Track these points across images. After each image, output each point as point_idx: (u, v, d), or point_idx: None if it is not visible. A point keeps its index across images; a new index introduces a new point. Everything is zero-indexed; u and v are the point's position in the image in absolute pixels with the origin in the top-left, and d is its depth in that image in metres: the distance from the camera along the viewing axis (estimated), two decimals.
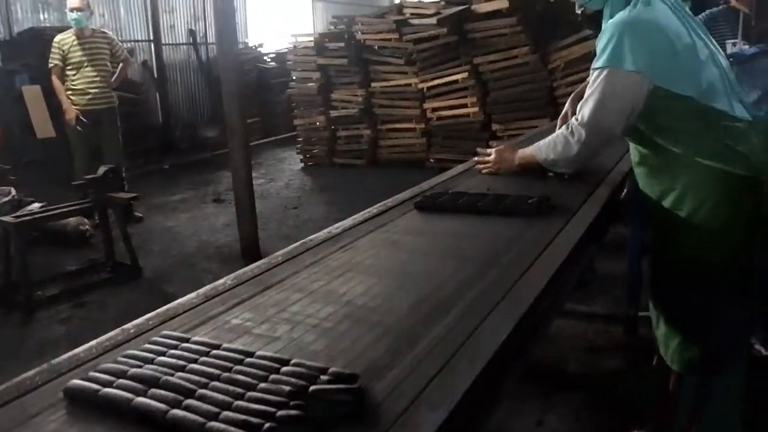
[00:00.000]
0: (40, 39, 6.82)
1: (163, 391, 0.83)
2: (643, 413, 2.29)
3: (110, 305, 3.81)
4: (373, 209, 1.95)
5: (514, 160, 2.12)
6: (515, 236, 1.61)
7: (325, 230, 1.74)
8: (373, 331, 1.11)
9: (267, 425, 0.77)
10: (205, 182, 7.46)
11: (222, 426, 0.78)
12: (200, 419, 0.79)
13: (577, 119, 1.77)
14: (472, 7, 7.28)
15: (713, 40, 1.81)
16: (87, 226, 4.95)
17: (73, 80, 5.26)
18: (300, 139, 8.45)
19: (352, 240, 1.66)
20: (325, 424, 0.82)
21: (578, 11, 1.90)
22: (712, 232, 1.70)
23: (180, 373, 0.88)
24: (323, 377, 0.89)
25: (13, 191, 4.85)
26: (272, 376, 0.88)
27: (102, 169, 4.14)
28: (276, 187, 7.21)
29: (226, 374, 0.88)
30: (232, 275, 1.41)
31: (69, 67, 5.25)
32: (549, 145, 1.89)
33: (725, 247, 1.72)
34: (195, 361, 0.92)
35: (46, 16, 8.03)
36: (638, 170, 1.88)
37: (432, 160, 7.42)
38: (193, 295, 1.30)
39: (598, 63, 1.70)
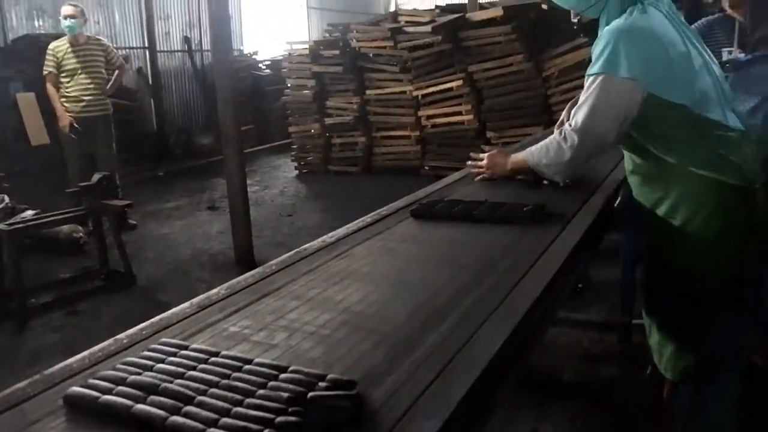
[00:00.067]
0: (34, 46, 6.80)
1: (162, 398, 0.84)
2: (637, 422, 2.30)
3: (104, 313, 3.80)
4: (369, 217, 1.96)
5: (506, 165, 2.11)
6: (511, 244, 1.62)
7: (320, 239, 1.74)
8: (370, 338, 1.12)
9: (266, 431, 0.78)
10: (199, 189, 7.45)
11: None
12: (200, 426, 0.79)
13: (570, 125, 1.76)
14: (467, 15, 7.32)
15: (707, 50, 1.82)
16: (81, 234, 4.93)
17: (67, 87, 5.26)
18: (295, 147, 8.46)
19: (349, 247, 1.66)
20: (323, 430, 0.83)
21: (574, 20, 1.90)
22: (705, 241, 1.71)
23: (179, 380, 0.89)
24: (321, 384, 0.90)
25: (7, 198, 4.82)
26: (271, 383, 0.89)
27: (96, 177, 4.14)
28: (271, 194, 7.21)
29: (224, 381, 0.89)
30: (227, 284, 1.41)
31: (63, 75, 5.25)
32: (541, 150, 1.88)
33: (719, 255, 1.73)
34: (194, 368, 0.93)
35: (40, 23, 8.02)
36: (632, 179, 1.89)
37: (427, 168, 7.43)
38: (188, 303, 1.30)
39: (593, 69, 1.70)
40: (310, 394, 0.86)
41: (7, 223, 3.94)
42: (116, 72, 5.54)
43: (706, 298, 1.76)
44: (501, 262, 1.49)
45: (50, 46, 5.30)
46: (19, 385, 0.95)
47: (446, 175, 2.72)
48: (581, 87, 1.81)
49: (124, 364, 0.95)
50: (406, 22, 7.82)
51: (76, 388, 0.89)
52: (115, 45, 6.23)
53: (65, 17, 5.17)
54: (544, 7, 7.23)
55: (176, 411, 0.81)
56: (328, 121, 8.03)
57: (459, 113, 7.14)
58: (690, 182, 1.70)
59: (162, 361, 0.95)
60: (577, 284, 3.30)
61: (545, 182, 2.08)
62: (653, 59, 1.63)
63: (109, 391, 0.86)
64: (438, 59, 7.19)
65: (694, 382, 1.93)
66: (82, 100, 5.27)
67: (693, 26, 2.49)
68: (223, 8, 4.66)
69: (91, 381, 0.90)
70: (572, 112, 1.78)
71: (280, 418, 0.80)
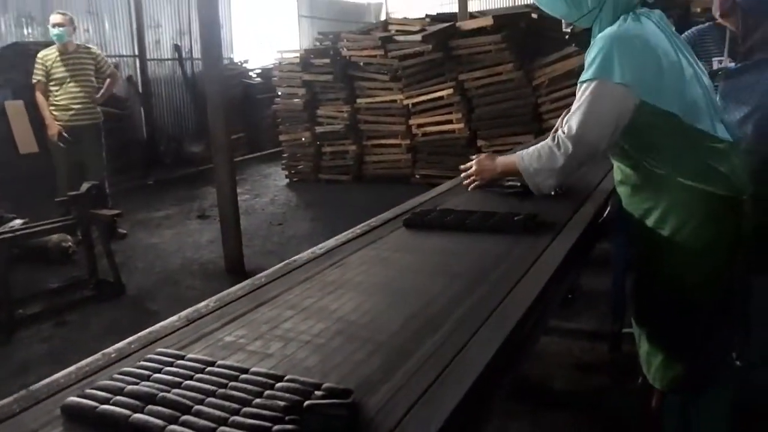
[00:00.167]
0: (23, 54, 6.78)
1: (160, 408, 0.84)
2: (628, 431, 2.31)
3: (93, 323, 3.77)
4: (362, 227, 1.97)
5: (495, 167, 2.06)
6: (503, 253, 1.64)
7: (309, 250, 1.74)
8: (364, 347, 1.13)
9: None
10: (189, 198, 7.43)
11: None
12: None
13: (563, 131, 1.73)
14: (457, 24, 7.39)
15: (697, 60, 1.83)
16: (69, 243, 4.90)
17: (56, 96, 5.25)
18: (285, 155, 8.47)
19: (343, 257, 1.67)
20: None
21: (566, 29, 1.89)
22: (694, 252, 1.71)
23: (176, 390, 0.89)
24: (317, 392, 0.90)
25: None
26: (267, 392, 0.90)
27: (85, 186, 4.11)
28: (261, 203, 7.20)
29: (221, 390, 0.89)
30: (216, 296, 1.41)
31: (52, 83, 5.23)
32: (533, 155, 1.82)
33: (707, 266, 1.73)
34: (190, 377, 0.93)
35: (29, 31, 8.00)
36: (621, 189, 1.90)
37: (417, 176, 7.47)
38: (185, 312, 1.30)
39: (586, 75, 1.69)
40: (307, 402, 0.87)
41: None
42: (107, 80, 5.53)
43: (694, 309, 1.76)
44: (493, 272, 1.50)
45: (39, 55, 5.29)
46: (16, 396, 0.94)
47: (437, 183, 2.73)
48: (571, 95, 1.81)
49: (120, 374, 0.96)
50: (397, 31, 7.87)
51: (74, 398, 0.89)
52: (105, 53, 6.21)
53: (54, 26, 5.17)
54: (534, 16, 7.31)
55: (174, 420, 0.82)
56: (319, 129, 8.05)
57: (449, 122, 7.19)
58: (679, 193, 1.71)
59: (159, 370, 0.96)
60: (568, 294, 3.32)
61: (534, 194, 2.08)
62: (646, 67, 1.64)
63: (106, 401, 0.86)
64: (428, 68, 7.24)
65: (683, 393, 1.93)
66: (71, 109, 5.26)
67: (683, 35, 2.50)
68: (213, 16, 4.67)
69: (89, 391, 0.90)
70: (565, 118, 1.77)
71: (276, 427, 0.81)
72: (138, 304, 4.12)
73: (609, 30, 1.68)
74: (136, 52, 9.55)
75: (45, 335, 3.61)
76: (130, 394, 0.88)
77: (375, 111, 7.74)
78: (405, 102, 7.39)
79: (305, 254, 1.72)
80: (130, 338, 1.19)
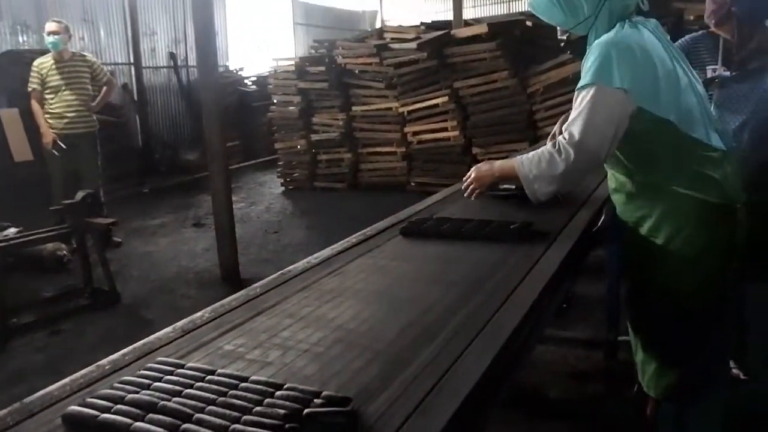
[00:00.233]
0: (18, 62, 6.79)
1: (161, 416, 0.85)
2: None
3: (88, 332, 3.75)
4: (359, 235, 1.98)
5: (493, 173, 1.97)
6: (498, 261, 1.65)
7: (304, 260, 1.75)
8: (363, 355, 1.14)
9: None
10: (185, 206, 7.42)
11: None
12: None
13: (565, 138, 1.70)
14: (452, 31, 7.43)
15: (692, 69, 1.84)
16: (64, 252, 4.89)
17: (51, 104, 5.24)
18: (281, 163, 8.48)
19: (340, 266, 1.69)
20: None
21: (562, 37, 1.88)
22: (687, 260, 1.72)
23: (177, 398, 0.90)
24: (317, 400, 0.91)
25: None
26: (267, 400, 0.90)
27: (80, 194, 4.10)
28: (256, 210, 7.20)
29: (221, 399, 0.90)
30: (214, 305, 1.42)
31: (47, 91, 5.23)
32: (532, 161, 1.77)
33: (701, 274, 1.74)
34: (191, 386, 0.94)
35: (25, 38, 8.00)
36: (615, 197, 1.90)
37: (413, 184, 7.48)
38: (180, 323, 1.30)
39: (584, 81, 1.67)
40: (306, 410, 0.88)
41: None
42: (103, 88, 5.53)
43: (688, 317, 1.77)
44: (489, 280, 1.52)
45: (35, 63, 5.29)
46: (17, 405, 0.95)
47: (433, 191, 2.74)
48: (566, 103, 1.82)
49: (121, 382, 0.96)
50: (392, 38, 7.92)
51: (75, 407, 0.89)
52: (100, 61, 6.22)
53: (49, 34, 5.17)
54: (529, 24, 7.37)
55: (175, 429, 0.83)
56: (314, 137, 8.06)
57: (445, 129, 7.22)
58: (673, 201, 1.72)
59: (159, 379, 0.96)
60: (563, 304, 3.32)
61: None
62: (643, 74, 1.64)
63: (107, 410, 0.87)
64: (423, 76, 7.27)
65: (677, 401, 1.94)
66: (66, 117, 5.25)
67: (677, 43, 2.50)
68: (208, 24, 4.67)
69: (89, 400, 0.90)
70: (565, 125, 1.74)
71: None
72: (133, 312, 4.10)
73: (606, 36, 1.68)
74: (132, 60, 9.56)
75: (39, 344, 3.60)
76: (131, 403, 0.88)
77: (370, 119, 7.77)
78: (400, 110, 7.42)
79: (300, 264, 1.72)
80: (125, 350, 1.19)
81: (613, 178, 1.89)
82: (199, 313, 1.38)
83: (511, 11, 14.48)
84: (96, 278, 4.24)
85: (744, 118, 2.48)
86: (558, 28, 1.88)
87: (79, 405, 0.90)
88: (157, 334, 1.27)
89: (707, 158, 1.70)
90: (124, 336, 3.51)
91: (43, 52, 5.59)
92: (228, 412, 0.86)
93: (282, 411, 0.86)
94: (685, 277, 1.75)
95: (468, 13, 12.41)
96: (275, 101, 8.53)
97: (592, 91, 1.64)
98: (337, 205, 7.13)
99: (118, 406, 0.88)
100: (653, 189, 1.75)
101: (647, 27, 1.75)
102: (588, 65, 1.67)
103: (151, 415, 0.85)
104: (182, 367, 1.01)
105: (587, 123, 1.65)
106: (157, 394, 0.91)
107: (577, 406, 2.71)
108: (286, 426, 0.83)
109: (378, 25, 15.80)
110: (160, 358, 1.07)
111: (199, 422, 0.84)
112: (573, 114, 1.70)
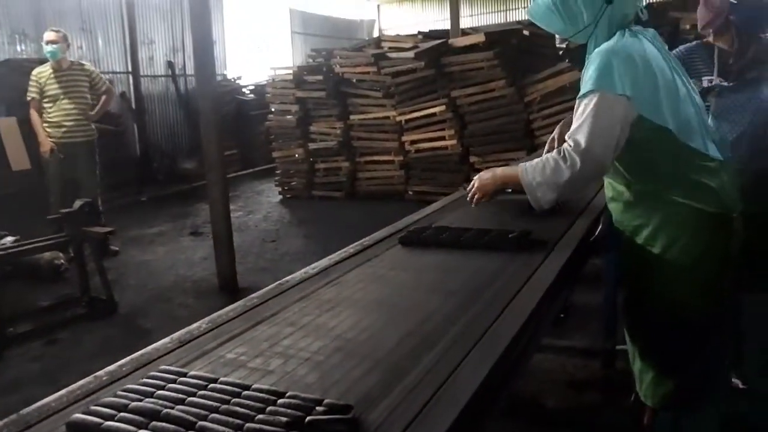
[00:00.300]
0: (17, 71, 6.80)
1: (164, 424, 0.86)
2: None
3: (85, 342, 3.74)
4: (358, 245, 1.99)
5: (495, 180, 1.97)
6: (497, 270, 1.66)
7: (302, 270, 1.75)
8: (363, 364, 1.15)
9: None
10: (182, 215, 7.42)
11: None
12: None
13: (570, 145, 1.68)
14: (449, 41, 7.48)
15: (689, 79, 1.85)
16: (62, 260, 4.88)
17: (49, 113, 5.25)
18: (278, 172, 8.49)
19: (339, 275, 1.69)
20: None
21: (561, 45, 1.88)
22: (684, 268, 1.73)
23: (180, 406, 0.91)
24: (318, 408, 0.92)
25: None
26: (269, 408, 0.91)
27: (78, 203, 4.10)
28: (254, 219, 7.20)
29: (224, 407, 0.91)
30: (212, 316, 1.42)
31: (46, 100, 5.24)
32: (536, 167, 1.75)
33: (697, 283, 1.75)
34: (194, 394, 0.95)
35: (23, 47, 8.02)
36: (612, 205, 1.91)
37: (411, 193, 7.50)
38: (177, 334, 1.31)
39: (586, 88, 1.66)
40: (308, 418, 0.88)
41: None
42: (102, 97, 5.53)
43: (684, 326, 1.78)
44: (487, 289, 1.52)
45: (33, 72, 5.31)
46: (21, 412, 0.95)
47: (430, 199, 2.75)
48: (563, 112, 1.81)
49: (124, 390, 0.97)
50: (389, 48, 7.95)
51: (79, 415, 0.90)
52: (98, 70, 6.23)
53: (47, 43, 5.18)
54: (526, 33, 7.42)
55: None
56: (312, 146, 8.08)
57: (442, 138, 7.24)
58: (670, 209, 1.73)
59: (162, 387, 0.97)
60: (560, 314, 3.32)
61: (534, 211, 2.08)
62: (643, 82, 1.65)
63: (111, 417, 0.87)
64: (421, 85, 7.30)
65: (674, 409, 1.94)
66: (64, 126, 5.26)
67: (672, 53, 2.52)
68: (206, 33, 4.69)
69: (93, 407, 0.91)
70: (569, 133, 1.72)
71: None
72: (130, 321, 4.09)
73: (607, 45, 1.69)
74: (130, 69, 9.58)
75: (36, 353, 3.58)
76: (134, 411, 0.89)
77: (368, 127, 7.79)
78: (398, 118, 7.45)
79: (298, 274, 1.72)
80: (124, 360, 1.20)
81: (610, 186, 1.89)
82: (196, 324, 1.38)
83: (508, 20, 14.57)
84: (93, 287, 4.23)
85: (742, 128, 2.49)
86: (557, 36, 1.89)
87: (83, 413, 0.91)
88: (155, 345, 1.27)
89: (704, 168, 1.71)
90: (122, 345, 3.50)
91: (42, 61, 5.59)
92: (231, 419, 0.87)
93: (284, 419, 0.87)
94: (681, 285, 1.76)
95: (465, 23, 12.49)
96: (273, 110, 8.55)
97: (595, 98, 1.64)
98: (334, 214, 7.13)
99: (122, 414, 0.88)
100: (651, 198, 1.76)
101: (646, 36, 1.76)
102: (589, 73, 1.68)
103: (155, 423, 0.86)
104: (185, 375, 1.02)
105: (592, 130, 1.64)
106: (161, 401, 0.92)
107: (575, 414, 2.71)
108: None
109: (376, 34, 15.87)
110: (162, 367, 1.07)
111: (203, 430, 0.85)
112: (576, 122, 1.69)
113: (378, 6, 17.50)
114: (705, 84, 2.55)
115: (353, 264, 1.79)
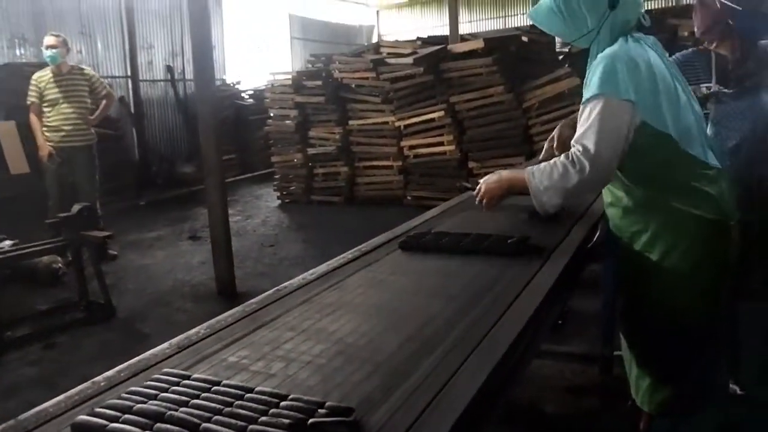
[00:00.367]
0: (16, 75, 6.82)
1: (169, 426, 0.87)
2: None
3: (83, 346, 3.73)
4: (358, 250, 2.00)
5: (501, 185, 1.93)
6: (496, 275, 1.67)
7: (300, 276, 1.76)
8: (364, 367, 1.16)
9: None
10: (181, 219, 7.43)
11: None
12: None
13: (579, 150, 1.66)
14: (448, 47, 7.51)
15: (689, 87, 1.86)
16: (60, 264, 4.88)
17: (48, 117, 5.26)
18: (277, 176, 8.50)
19: (340, 279, 1.70)
20: None
21: (560, 49, 1.88)
22: (683, 275, 1.74)
23: (184, 408, 0.92)
24: (321, 411, 0.93)
25: None
26: (272, 410, 0.92)
27: (76, 207, 4.11)
28: (253, 224, 7.20)
29: (228, 409, 0.92)
30: (210, 321, 1.42)
31: (45, 104, 5.25)
32: (544, 172, 1.73)
33: (696, 290, 1.75)
34: (197, 396, 0.96)
35: (22, 51, 8.04)
36: (611, 211, 1.91)
37: (409, 198, 7.51)
38: (176, 340, 1.32)
39: (590, 92, 1.66)
40: (311, 420, 0.89)
41: None
42: (103, 102, 5.54)
43: (682, 333, 1.78)
44: (487, 294, 1.53)
45: (34, 76, 5.32)
46: (25, 414, 0.96)
47: (429, 204, 2.76)
48: (561, 118, 1.80)
49: (128, 393, 0.98)
50: (388, 53, 7.97)
51: (84, 417, 0.91)
52: (97, 74, 6.25)
53: (47, 47, 5.19)
54: (525, 39, 7.45)
55: None
56: (311, 151, 8.09)
57: (441, 143, 7.25)
58: (669, 216, 1.74)
59: (165, 390, 0.98)
60: (558, 320, 3.33)
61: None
62: (646, 88, 1.65)
63: (115, 419, 0.88)
64: (420, 90, 7.32)
65: (671, 415, 1.94)
66: (62, 130, 5.26)
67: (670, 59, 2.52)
68: (206, 38, 4.71)
69: (98, 410, 0.92)
70: (575, 139, 1.70)
71: None
72: (129, 326, 4.09)
73: (611, 49, 1.69)
74: (129, 73, 9.60)
75: (34, 358, 3.57)
76: (139, 413, 0.90)
77: (367, 133, 7.81)
78: (397, 124, 7.46)
79: (296, 280, 1.73)
80: (133, 360, 1.21)
81: (609, 192, 1.90)
82: (195, 330, 1.38)
83: (507, 26, 14.62)
84: (91, 291, 4.24)
85: (742, 134, 2.49)
86: (557, 40, 1.88)
87: (88, 414, 0.91)
88: (153, 350, 1.27)
89: (704, 175, 1.72)
90: (120, 350, 3.50)
91: (42, 65, 5.61)
92: (235, 421, 0.88)
93: (287, 421, 0.88)
94: (680, 292, 1.76)
95: (464, 28, 12.56)
96: (272, 115, 8.57)
97: (600, 102, 1.64)
98: (333, 219, 7.14)
99: (126, 416, 0.89)
100: (650, 204, 1.77)
101: (647, 43, 1.77)
102: (594, 78, 1.67)
103: (159, 425, 0.87)
104: (188, 378, 1.03)
105: (600, 135, 1.63)
106: (165, 404, 0.93)
107: (573, 420, 2.71)
108: None
109: (375, 39, 15.92)
110: (165, 369, 1.08)
111: (207, 431, 0.85)
112: (582, 127, 1.68)
113: (377, 12, 17.56)
114: (704, 91, 2.54)
115: (353, 269, 1.80)
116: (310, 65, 9.08)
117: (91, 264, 4.19)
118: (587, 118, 1.67)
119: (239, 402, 0.95)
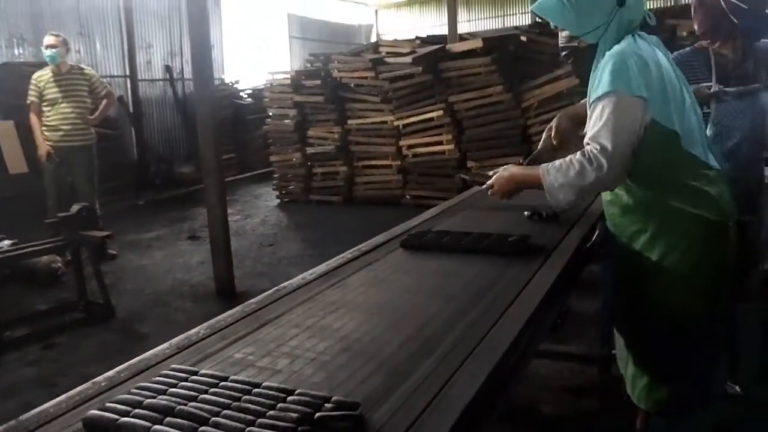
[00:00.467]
0: (15, 74, 6.82)
1: (179, 419, 0.88)
2: None
3: (82, 346, 3.72)
4: (359, 248, 2.01)
5: (514, 180, 1.92)
6: (497, 275, 1.69)
7: (298, 277, 1.77)
8: (368, 364, 1.18)
9: None
10: (180, 219, 7.43)
11: None
12: None
13: (596, 149, 1.64)
14: (447, 46, 7.51)
15: (690, 88, 1.86)
16: (59, 264, 4.88)
17: (47, 116, 5.25)
18: (276, 176, 8.50)
19: (342, 278, 1.72)
20: None
21: (565, 45, 1.85)
22: (682, 276, 1.75)
23: (193, 403, 0.94)
24: (327, 405, 0.95)
25: None
26: (279, 405, 0.94)
27: (75, 207, 4.10)
28: (252, 223, 7.21)
29: (236, 403, 0.94)
30: (214, 320, 1.43)
31: (44, 104, 5.24)
32: (560, 169, 1.72)
33: (695, 290, 1.76)
34: (206, 391, 0.98)
35: (21, 51, 8.03)
36: (610, 210, 1.91)
37: (408, 197, 7.52)
38: (176, 340, 1.33)
39: (603, 89, 1.65)
40: (318, 414, 0.91)
41: None
42: (103, 101, 5.54)
43: (680, 332, 1.79)
44: (487, 293, 1.55)
45: (33, 76, 5.32)
46: (38, 409, 0.97)
47: (427, 204, 2.78)
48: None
49: (138, 388, 0.99)
50: (387, 53, 7.98)
51: (95, 411, 0.92)
52: (97, 74, 6.25)
53: (47, 47, 5.19)
54: (523, 38, 7.46)
55: (193, 431, 0.85)
56: (310, 150, 8.10)
57: (440, 143, 7.26)
58: (669, 215, 1.74)
59: (174, 385, 1.00)
60: (557, 319, 3.34)
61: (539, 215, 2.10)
62: (656, 86, 1.66)
63: (126, 414, 0.90)
64: (419, 90, 7.33)
65: (668, 414, 1.95)
66: (61, 130, 5.25)
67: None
68: (204, 37, 4.71)
69: (109, 404, 0.94)
70: (588, 137, 1.69)
71: None
72: (128, 326, 4.08)
73: (620, 47, 1.69)
74: (127, 73, 9.60)
75: (33, 358, 3.56)
76: (149, 407, 0.92)
77: (366, 132, 7.82)
78: (395, 123, 7.47)
79: (295, 280, 1.74)
80: (120, 367, 1.21)
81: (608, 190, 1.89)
82: (194, 330, 1.39)
83: (505, 26, 14.64)
84: (90, 291, 4.23)
85: (742, 134, 2.49)
86: (559, 38, 1.87)
87: (99, 409, 0.93)
88: (154, 350, 1.28)
89: (704, 176, 1.73)
90: (119, 350, 3.51)
91: (40, 64, 5.61)
92: (243, 415, 0.90)
93: (295, 415, 0.90)
94: (679, 292, 1.77)
95: (463, 28, 12.58)
96: (271, 114, 8.57)
97: (613, 99, 1.63)
98: (332, 218, 7.15)
99: (137, 410, 0.91)
100: (650, 203, 1.77)
101: (652, 42, 1.78)
102: (605, 75, 1.67)
103: (169, 419, 0.89)
104: (196, 374, 1.05)
105: (615, 132, 1.63)
106: (174, 399, 0.95)
107: (572, 420, 2.72)
108: (299, 429, 0.87)
109: (373, 39, 15.93)
110: (173, 365, 1.10)
111: (216, 425, 0.88)
112: (595, 124, 1.67)
113: (376, 11, 17.57)
114: (706, 90, 2.52)
115: (355, 268, 1.82)
116: (308, 65, 9.09)
117: (90, 264, 4.19)
118: (600, 115, 1.66)
119: (247, 397, 0.96)
